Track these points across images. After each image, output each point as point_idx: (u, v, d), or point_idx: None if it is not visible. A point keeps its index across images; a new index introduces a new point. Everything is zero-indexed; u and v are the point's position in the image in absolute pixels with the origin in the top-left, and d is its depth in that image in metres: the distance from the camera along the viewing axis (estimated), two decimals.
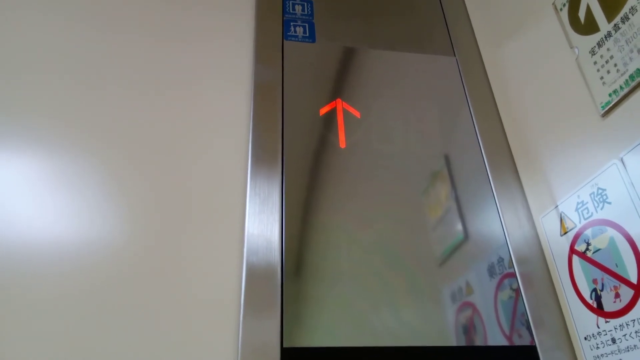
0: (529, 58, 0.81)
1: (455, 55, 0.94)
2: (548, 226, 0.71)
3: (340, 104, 0.87)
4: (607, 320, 0.59)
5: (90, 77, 0.93)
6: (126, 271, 0.73)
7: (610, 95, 0.61)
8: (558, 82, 0.73)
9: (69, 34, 0.98)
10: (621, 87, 0.59)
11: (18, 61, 0.92)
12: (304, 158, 0.82)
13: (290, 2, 0.95)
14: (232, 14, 1.07)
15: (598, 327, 0.60)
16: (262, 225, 0.73)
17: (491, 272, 0.75)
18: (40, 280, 0.69)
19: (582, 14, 0.67)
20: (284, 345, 0.63)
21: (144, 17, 1.04)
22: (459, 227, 0.79)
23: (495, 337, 0.69)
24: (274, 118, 0.83)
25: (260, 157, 0.79)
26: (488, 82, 0.90)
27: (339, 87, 0.89)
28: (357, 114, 0.86)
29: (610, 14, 0.62)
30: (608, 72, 0.62)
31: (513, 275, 0.73)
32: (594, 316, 0.61)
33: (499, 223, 0.78)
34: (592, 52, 0.65)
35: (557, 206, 0.69)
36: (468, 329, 0.71)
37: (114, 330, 0.66)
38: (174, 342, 0.66)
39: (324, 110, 0.86)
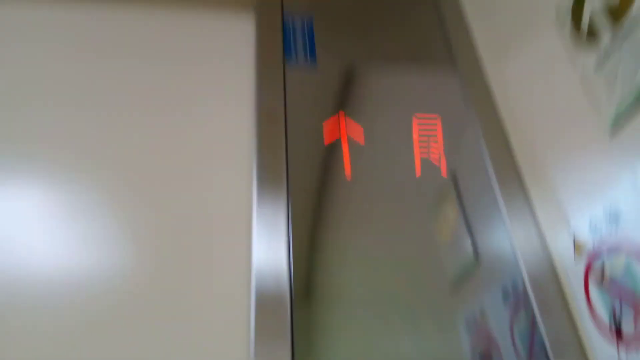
0: (532, 72, 0.78)
1: (457, 69, 0.92)
2: (562, 249, 0.69)
3: (344, 127, 0.85)
4: (628, 348, 0.55)
5: (97, 108, 0.95)
6: (134, 301, 0.73)
7: (618, 110, 0.59)
8: (564, 97, 0.70)
9: (73, 65, 1.00)
10: (628, 103, 0.57)
11: (24, 93, 0.94)
12: (309, 186, 0.81)
13: (291, 24, 0.94)
14: (233, 38, 1.07)
15: (619, 356, 0.57)
16: (269, 251, 0.71)
17: (505, 296, 0.72)
18: (48, 309, 0.70)
19: (584, 28, 0.65)
20: None
21: (147, 44, 1.06)
22: (470, 249, 0.77)
23: None
24: (278, 144, 0.82)
25: (266, 183, 0.78)
26: (492, 97, 0.87)
27: (341, 105, 0.88)
28: (361, 140, 0.85)
29: (612, 28, 0.60)
30: (614, 87, 0.59)
31: (528, 301, 0.70)
32: (613, 345, 0.58)
33: (510, 245, 0.75)
34: (597, 68, 0.62)
35: (569, 227, 0.67)
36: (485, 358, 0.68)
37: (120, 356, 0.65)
38: None
39: (328, 138, 0.85)
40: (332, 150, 0.84)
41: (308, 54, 0.92)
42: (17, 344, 0.66)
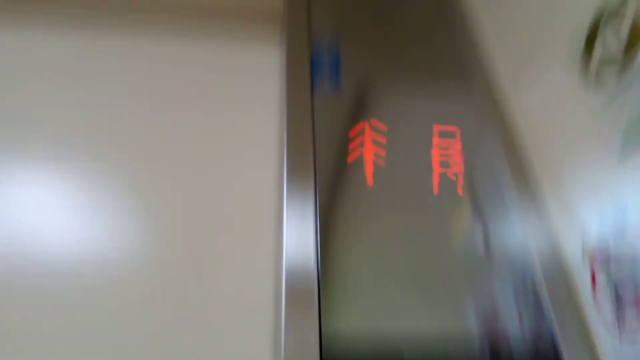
0: (545, 97, 0.89)
1: (473, 86, 1.02)
2: (573, 249, 0.80)
3: (368, 131, 0.94)
4: (630, 341, 0.68)
5: (123, 97, 0.96)
6: (159, 290, 0.75)
7: (623, 151, 0.69)
8: (576, 122, 0.80)
9: (102, 54, 1.01)
10: (632, 149, 0.68)
11: (45, 80, 0.94)
12: (335, 188, 0.88)
13: (319, 51, 1.01)
14: (262, 61, 1.10)
15: (622, 349, 0.70)
16: (299, 246, 0.78)
17: (516, 289, 0.83)
18: (64, 294, 0.72)
19: (592, 73, 0.76)
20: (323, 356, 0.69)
21: (181, 72, 1.07)
22: (483, 246, 0.87)
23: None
24: (306, 149, 0.88)
25: (295, 184, 0.84)
26: (507, 111, 0.98)
27: (365, 113, 0.97)
28: (384, 141, 0.94)
29: (618, 77, 0.71)
30: (620, 126, 0.71)
31: (538, 295, 0.81)
32: (617, 339, 0.70)
33: (523, 243, 0.86)
34: (604, 107, 0.74)
35: (581, 232, 0.77)
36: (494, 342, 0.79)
37: (142, 349, 0.68)
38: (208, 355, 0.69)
39: (352, 147, 0.93)
40: (355, 163, 0.93)
41: (334, 81, 0.99)
42: (38, 332, 0.68)
